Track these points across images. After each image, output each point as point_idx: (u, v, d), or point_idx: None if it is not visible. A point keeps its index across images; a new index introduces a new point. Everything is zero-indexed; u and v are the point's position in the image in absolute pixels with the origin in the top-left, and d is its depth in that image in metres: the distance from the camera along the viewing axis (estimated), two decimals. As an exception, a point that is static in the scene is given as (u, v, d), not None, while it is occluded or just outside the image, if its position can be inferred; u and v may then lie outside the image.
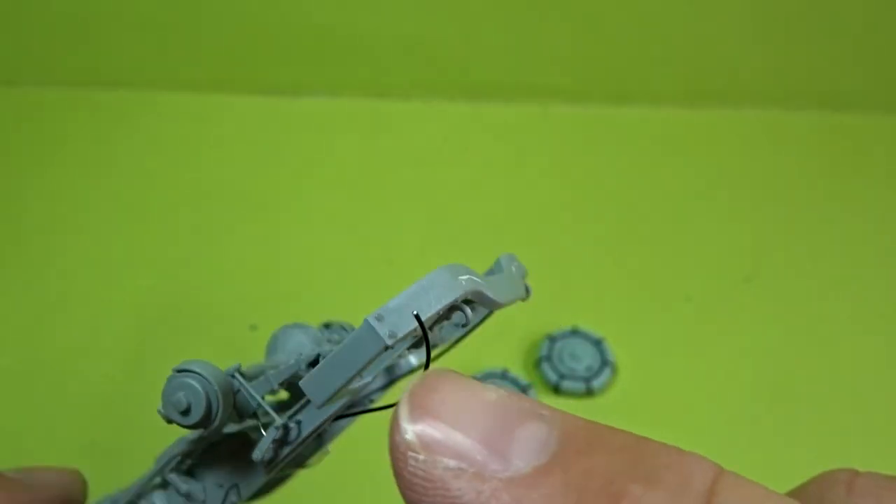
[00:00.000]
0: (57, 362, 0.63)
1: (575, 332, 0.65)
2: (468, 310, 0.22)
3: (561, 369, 0.63)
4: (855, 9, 0.81)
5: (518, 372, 0.65)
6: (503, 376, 0.64)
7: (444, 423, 0.18)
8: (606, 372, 0.64)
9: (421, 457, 0.18)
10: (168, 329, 0.66)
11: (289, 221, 0.75)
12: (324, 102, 0.86)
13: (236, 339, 0.63)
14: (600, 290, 0.71)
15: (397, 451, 0.18)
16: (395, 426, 0.19)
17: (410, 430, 0.18)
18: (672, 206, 0.78)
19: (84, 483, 0.31)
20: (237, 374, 0.25)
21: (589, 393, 0.64)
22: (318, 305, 0.66)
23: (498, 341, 0.66)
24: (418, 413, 0.18)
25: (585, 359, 0.64)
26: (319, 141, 0.83)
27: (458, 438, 0.18)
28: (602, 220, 0.77)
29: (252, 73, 0.85)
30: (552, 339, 0.65)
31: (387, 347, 0.20)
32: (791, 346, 0.69)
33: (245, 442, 0.26)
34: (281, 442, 0.24)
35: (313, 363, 0.26)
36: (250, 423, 0.26)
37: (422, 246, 0.73)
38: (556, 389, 0.63)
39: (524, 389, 0.63)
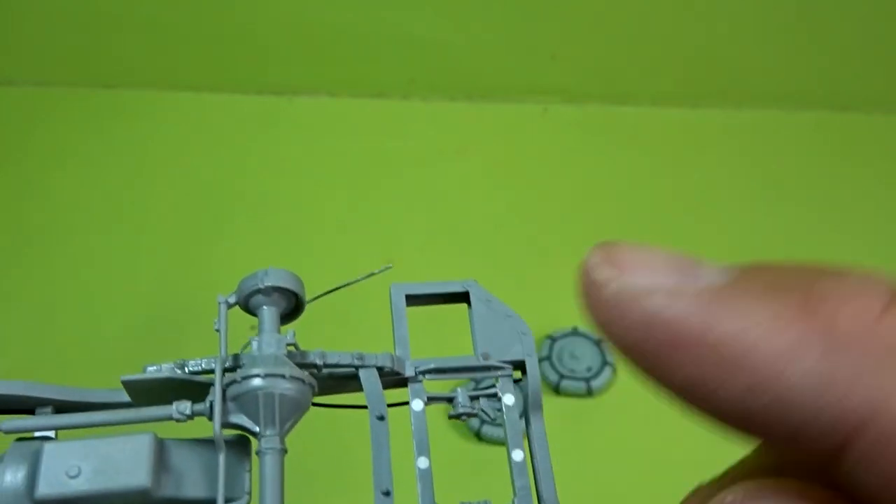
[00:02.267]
0: (56, 363, 0.63)
1: (575, 333, 0.65)
2: None
3: (561, 369, 0.63)
4: (855, 9, 0.81)
5: (518, 372, 0.65)
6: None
7: (631, 262, 0.19)
8: (606, 372, 0.64)
9: (614, 284, 0.18)
10: (167, 327, 0.66)
11: (288, 220, 0.75)
12: (324, 102, 0.86)
13: (236, 339, 0.63)
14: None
15: (592, 286, 0.18)
16: (585, 271, 0.18)
17: (601, 269, 0.19)
18: (672, 206, 0.78)
19: None
20: None
21: (589, 393, 0.64)
22: (318, 305, 0.66)
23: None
24: (607, 255, 0.18)
25: (585, 359, 0.64)
26: (319, 141, 0.83)
27: (647, 270, 0.18)
28: (602, 220, 0.77)
29: (252, 73, 0.85)
30: (552, 339, 0.65)
31: None
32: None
33: None
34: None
35: None
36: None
37: (422, 245, 0.73)
38: (557, 389, 0.63)
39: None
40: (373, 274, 0.31)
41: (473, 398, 0.30)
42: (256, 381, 0.25)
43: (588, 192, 0.79)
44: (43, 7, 0.82)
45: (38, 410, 0.27)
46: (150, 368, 0.27)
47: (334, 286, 0.31)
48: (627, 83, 0.85)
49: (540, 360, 0.64)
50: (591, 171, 0.81)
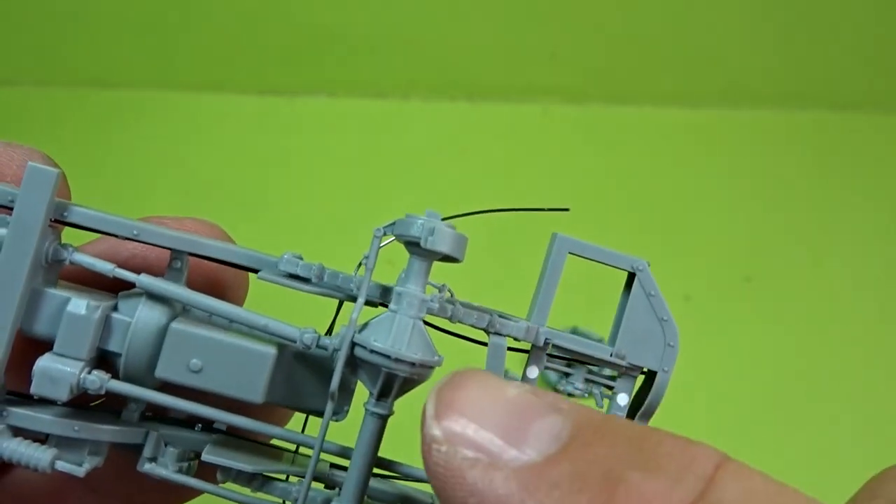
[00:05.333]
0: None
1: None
2: None
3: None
4: (855, 9, 0.81)
5: (518, 372, 0.65)
6: (503, 376, 0.64)
7: (465, 417, 0.20)
8: (606, 372, 0.64)
9: (443, 448, 0.20)
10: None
11: (288, 220, 0.75)
12: (324, 102, 0.86)
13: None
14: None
15: (424, 442, 0.20)
16: (423, 420, 0.21)
17: (435, 424, 0.20)
18: (671, 206, 0.78)
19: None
20: None
21: (589, 393, 0.64)
22: (318, 305, 0.66)
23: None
24: (442, 409, 0.20)
25: (585, 359, 0.64)
26: (319, 141, 0.83)
27: (476, 432, 0.20)
28: (601, 220, 0.76)
29: (252, 73, 0.85)
30: None
31: None
32: (790, 345, 0.69)
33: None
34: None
35: None
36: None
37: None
38: (556, 390, 0.63)
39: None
40: (545, 210, 0.31)
41: (588, 381, 0.30)
42: (384, 360, 0.25)
43: (588, 192, 0.79)
44: (43, 7, 0.82)
45: (173, 254, 0.28)
46: (287, 257, 0.27)
47: (502, 209, 0.30)
48: (627, 83, 0.85)
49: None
50: (591, 171, 0.81)
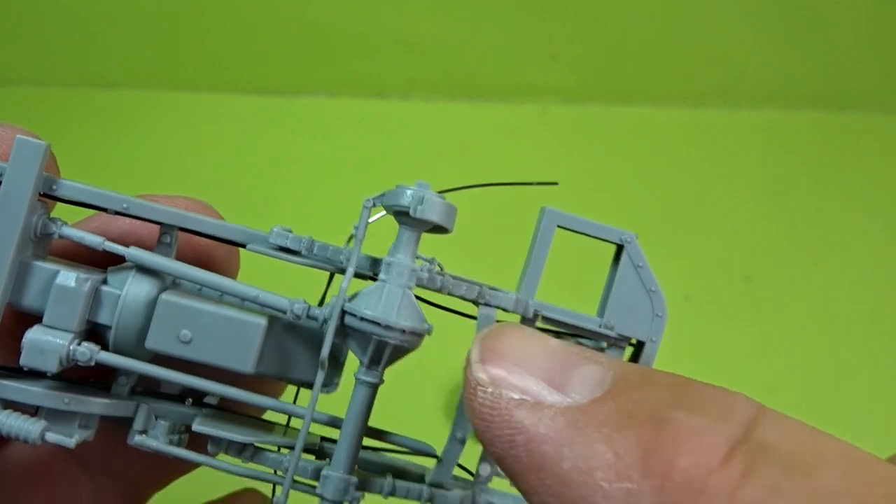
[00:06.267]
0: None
1: None
2: None
3: (561, 369, 0.63)
4: (855, 9, 0.81)
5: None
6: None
7: (509, 361, 0.21)
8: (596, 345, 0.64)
9: (489, 390, 0.20)
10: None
11: (288, 220, 0.75)
12: (324, 102, 0.86)
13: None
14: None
15: (469, 385, 0.21)
16: (468, 365, 0.21)
17: (480, 368, 0.21)
18: (671, 206, 0.78)
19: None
20: None
21: (589, 393, 0.64)
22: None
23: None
24: (487, 353, 0.21)
25: (585, 359, 0.64)
26: (319, 141, 0.83)
27: (521, 376, 0.21)
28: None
29: (252, 73, 0.85)
30: None
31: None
32: (790, 345, 0.69)
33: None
34: None
35: None
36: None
37: (421, 245, 0.73)
38: None
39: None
40: (534, 184, 0.32)
41: None
42: (374, 328, 0.25)
43: (587, 191, 0.79)
44: (43, 7, 0.82)
45: (163, 228, 0.28)
46: (277, 230, 0.28)
47: (491, 183, 0.31)
48: (627, 83, 0.85)
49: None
50: (591, 170, 0.81)
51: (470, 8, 0.82)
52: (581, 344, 0.25)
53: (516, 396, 0.20)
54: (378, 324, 0.25)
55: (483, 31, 0.83)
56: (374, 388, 0.27)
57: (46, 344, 0.25)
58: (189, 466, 0.33)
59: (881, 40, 0.83)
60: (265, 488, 0.31)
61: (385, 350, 0.26)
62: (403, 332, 0.25)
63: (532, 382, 0.20)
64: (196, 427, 0.27)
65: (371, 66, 0.85)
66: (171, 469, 0.33)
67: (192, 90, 0.85)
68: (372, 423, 0.27)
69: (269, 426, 0.31)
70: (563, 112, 0.85)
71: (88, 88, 0.85)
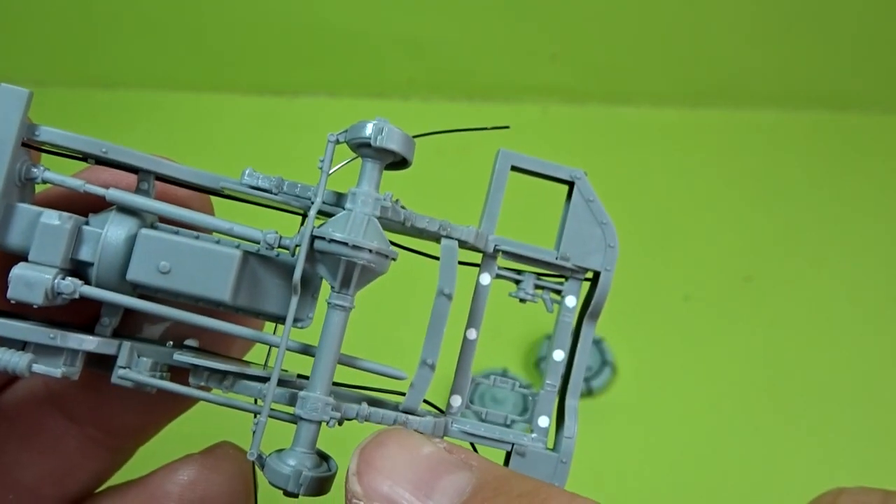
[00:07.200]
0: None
1: (505, 375, 0.65)
2: None
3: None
4: (855, 9, 0.81)
5: (518, 372, 0.65)
6: (503, 376, 0.64)
7: (381, 475, 0.23)
8: (606, 372, 0.64)
9: (362, 503, 0.23)
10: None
11: (288, 220, 0.75)
12: (324, 102, 0.86)
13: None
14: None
15: (346, 498, 0.23)
16: (347, 476, 0.23)
17: (356, 480, 0.23)
18: (671, 206, 0.78)
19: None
20: None
21: (589, 393, 0.64)
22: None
23: (498, 341, 0.66)
24: (363, 466, 0.23)
25: (585, 359, 0.64)
26: (319, 141, 0.82)
27: (391, 487, 0.23)
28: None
29: (252, 73, 0.85)
30: (552, 339, 0.65)
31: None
32: (790, 345, 0.69)
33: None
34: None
35: None
36: None
37: (420, 244, 0.73)
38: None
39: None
40: (487, 129, 0.34)
41: (538, 287, 0.31)
42: (342, 248, 0.27)
43: (588, 192, 0.79)
44: (43, 7, 0.82)
45: (140, 176, 0.30)
46: (248, 172, 0.29)
47: (447, 129, 0.33)
48: (627, 83, 0.85)
49: (539, 360, 0.64)
50: (591, 171, 0.81)
51: (470, 8, 0.82)
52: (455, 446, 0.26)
53: None
54: (346, 244, 0.27)
55: (483, 31, 0.83)
56: (346, 311, 0.28)
57: (32, 277, 0.26)
58: (173, 414, 0.34)
59: (880, 40, 0.83)
60: (245, 423, 0.31)
61: (354, 271, 0.27)
62: (370, 251, 0.27)
63: (400, 493, 0.22)
64: (177, 357, 0.28)
65: (371, 66, 0.85)
66: (156, 417, 0.34)
67: (193, 90, 0.85)
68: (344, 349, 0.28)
69: (248, 363, 0.32)
70: (563, 112, 0.85)
71: (88, 88, 0.85)
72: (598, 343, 0.65)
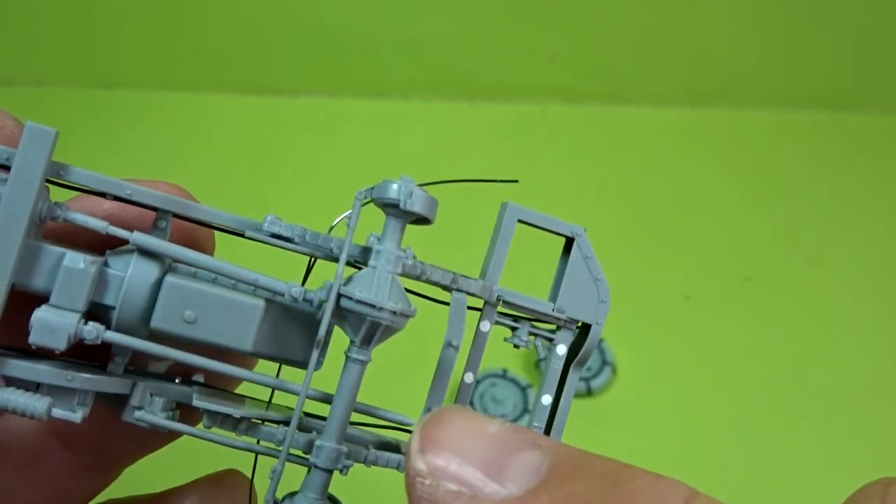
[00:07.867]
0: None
1: (504, 375, 0.65)
2: None
3: (561, 369, 0.63)
4: (855, 9, 0.81)
5: (518, 372, 0.65)
6: (503, 376, 0.64)
7: (448, 452, 0.22)
8: (606, 372, 0.64)
9: (427, 482, 0.21)
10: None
11: (288, 220, 0.75)
12: (324, 102, 0.86)
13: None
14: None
15: (409, 476, 0.21)
16: (408, 454, 0.22)
17: (420, 458, 0.22)
18: (671, 206, 0.78)
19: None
20: None
21: (589, 393, 0.64)
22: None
23: (498, 342, 0.66)
24: (427, 443, 0.22)
25: (585, 359, 0.64)
26: (319, 141, 0.83)
27: (460, 466, 0.21)
28: (601, 220, 0.77)
29: (252, 73, 0.85)
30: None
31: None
32: (790, 345, 0.69)
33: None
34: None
35: None
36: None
37: (421, 246, 0.73)
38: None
39: (523, 389, 0.63)
40: (496, 181, 0.37)
41: (532, 334, 0.33)
42: (369, 310, 0.27)
43: (587, 191, 0.79)
44: (43, 7, 0.82)
45: (159, 214, 0.29)
46: (270, 219, 0.30)
47: (456, 179, 0.34)
48: (627, 83, 0.85)
49: (540, 361, 0.64)
50: (591, 170, 0.81)
51: (470, 8, 0.82)
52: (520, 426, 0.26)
53: (454, 488, 0.21)
54: (373, 305, 0.27)
55: (483, 31, 0.84)
56: (364, 365, 0.28)
57: (56, 322, 0.26)
58: (168, 441, 0.34)
59: (880, 40, 0.83)
60: (248, 461, 0.32)
61: (377, 330, 0.28)
62: (394, 313, 0.28)
63: (470, 472, 0.21)
64: (196, 402, 0.28)
65: (371, 66, 0.85)
66: (150, 444, 0.34)
67: (193, 90, 0.85)
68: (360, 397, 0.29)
69: (257, 403, 0.32)
70: (563, 112, 0.85)
71: (88, 88, 0.85)
72: (598, 343, 0.65)
